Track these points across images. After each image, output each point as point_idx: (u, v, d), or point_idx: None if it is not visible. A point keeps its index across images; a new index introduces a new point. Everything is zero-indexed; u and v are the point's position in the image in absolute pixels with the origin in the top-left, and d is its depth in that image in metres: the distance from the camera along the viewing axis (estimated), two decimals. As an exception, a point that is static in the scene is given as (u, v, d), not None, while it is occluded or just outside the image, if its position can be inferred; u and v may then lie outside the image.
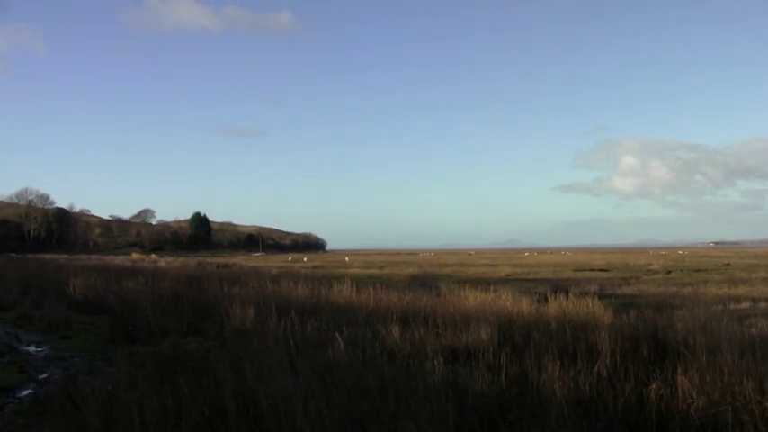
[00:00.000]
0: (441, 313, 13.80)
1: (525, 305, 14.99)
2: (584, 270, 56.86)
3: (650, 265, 65.59)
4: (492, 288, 18.03)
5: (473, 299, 16.35)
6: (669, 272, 51.38)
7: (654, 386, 7.14)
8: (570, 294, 16.65)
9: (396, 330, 11.25)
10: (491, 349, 9.36)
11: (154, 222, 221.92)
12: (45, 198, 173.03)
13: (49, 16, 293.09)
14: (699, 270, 53.12)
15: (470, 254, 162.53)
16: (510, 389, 7.41)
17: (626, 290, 31.01)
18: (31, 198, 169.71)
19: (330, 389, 6.41)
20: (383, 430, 5.65)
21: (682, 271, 52.18)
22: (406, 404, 6.20)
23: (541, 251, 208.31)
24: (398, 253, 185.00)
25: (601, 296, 17.63)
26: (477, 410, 6.58)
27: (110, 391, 6.67)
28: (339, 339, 9.54)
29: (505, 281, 37.70)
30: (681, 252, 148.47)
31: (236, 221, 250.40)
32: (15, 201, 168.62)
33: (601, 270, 56.57)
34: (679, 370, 7.54)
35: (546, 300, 16.08)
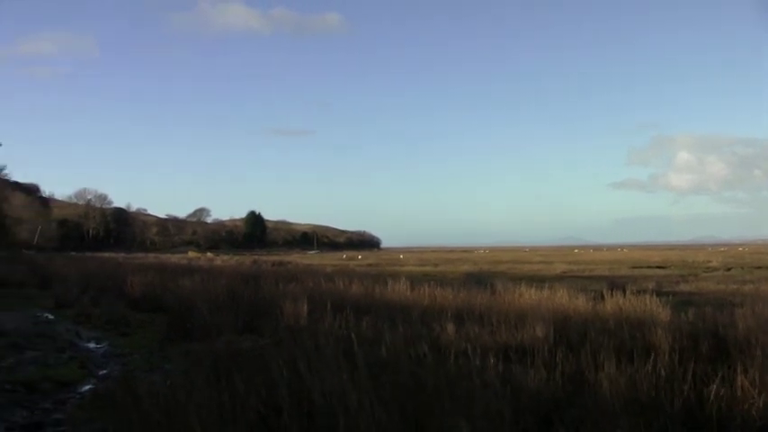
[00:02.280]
0: (495, 311, 13.77)
1: (581, 303, 14.93)
2: (641, 267, 56.10)
3: (709, 262, 64.43)
4: (547, 285, 17.89)
5: (528, 296, 16.32)
6: (729, 269, 50.44)
7: (713, 385, 7.04)
8: (627, 292, 16.50)
9: (450, 328, 11.26)
10: (546, 347, 9.30)
11: (209, 221, 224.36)
12: (103, 198, 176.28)
13: (101, 21, 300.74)
14: (760, 267, 52.00)
15: (525, 251, 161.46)
16: (565, 387, 7.37)
17: (684, 287, 30.48)
18: (89, 198, 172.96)
19: (385, 386, 6.45)
20: (437, 427, 5.68)
21: (742, 268, 51.15)
22: (461, 402, 6.20)
23: (597, 248, 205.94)
24: (453, 250, 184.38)
25: (658, 294, 17.36)
26: (533, 409, 6.58)
27: (168, 388, 6.81)
28: (394, 337, 9.58)
29: (561, 278, 37.33)
30: (740, 249, 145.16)
31: (290, 220, 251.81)
32: (74, 201, 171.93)
33: (658, 267, 55.72)
34: (739, 369, 7.42)
35: (602, 297, 15.96)
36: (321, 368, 6.76)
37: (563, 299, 15.67)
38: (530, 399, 6.76)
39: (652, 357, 7.82)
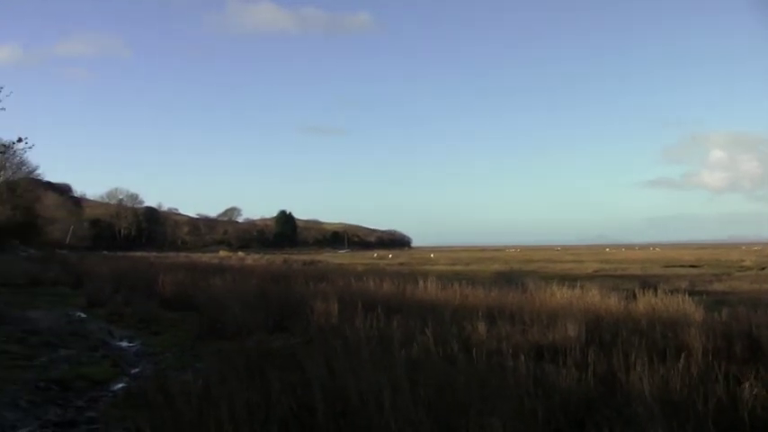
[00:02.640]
0: (527, 310, 13.77)
1: (613, 302, 14.85)
2: (674, 266, 55.82)
3: (742, 261, 63.72)
4: (578, 285, 17.82)
5: (559, 295, 16.25)
6: (763, 268, 49.92)
7: (747, 386, 6.99)
8: (659, 291, 16.38)
9: (481, 327, 11.23)
10: (578, 347, 9.26)
11: (240, 220, 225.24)
12: (134, 197, 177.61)
13: (133, 22, 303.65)
14: (796, 266, 51.36)
15: (557, 250, 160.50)
16: (597, 387, 7.33)
17: (717, 287, 30.17)
18: (121, 198, 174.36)
19: (416, 385, 6.48)
20: (469, 426, 5.69)
21: (776, 267, 50.53)
22: (492, 401, 6.20)
23: (629, 247, 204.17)
24: (484, 249, 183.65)
25: (691, 293, 17.21)
26: (564, 408, 6.56)
27: (200, 386, 6.89)
28: (425, 336, 9.60)
29: (592, 277, 37.24)
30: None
31: (321, 219, 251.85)
32: (106, 200, 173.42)
33: (691, 266, 55.38)
34: (774, 369, 7.37)
35: (634, 296, 15.89)
36: (355, 367, 6.80)
37: (595, 298, 15.59)
38: (561, 398, 6.75)
39: (684, 357, 7.78)
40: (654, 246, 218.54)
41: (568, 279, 25.72)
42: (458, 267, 57.40)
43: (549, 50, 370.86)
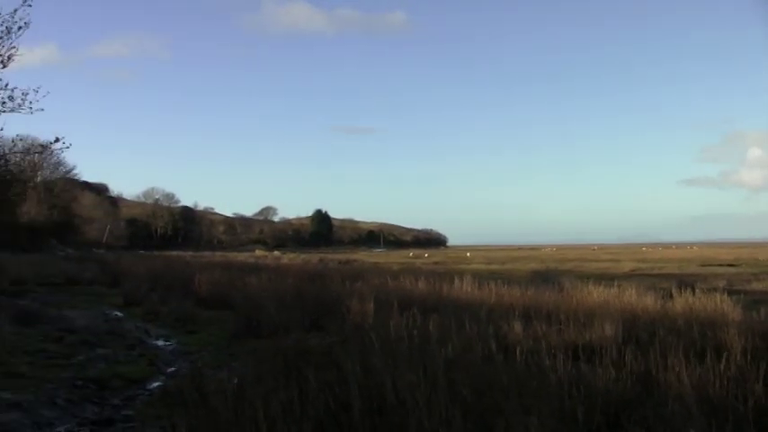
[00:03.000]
0: (563, 309, 13.69)
1: (650, 301, 14.79)
2: (711, 265, 55.11)
3: (782, 260, 62.84)
4: (615, 284, 17.72)
5: (596, 295, 16.21)
6: (802, 267, 49.09)
7: (787, 386, 6.89)
8: (696, 290, 16.24)
9: (517, 326, 11.19)
10: (615, 346, 9.20)
11: (276, 220, 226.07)
12: (171, 197, 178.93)
13: (171, 24, 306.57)
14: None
15: (593, 249, 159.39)
16: (634, 386, 7.28)
17: (756, 286, 29.66)
18: (157, 197, 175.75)
19: (453, 384, 6.46)
20: (506, 426, 5.66)
21: (816, 266, 49.77)
22: (529, 400, 6.17)
23: (666, 246, 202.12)
24: (520, 248, 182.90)
25: (729, 292, 17.00)
26: (602, 408, 6.51)
27: (236, 385, 6.92)
28: (462, 335, 9.57)
29: (629, 276, 36.96)
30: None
31: (357, 218, 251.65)
32: (142, 200, 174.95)
33: (728, 265, 54.57)
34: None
35: (671, 296, 15.78)
36: (392, 366, 6.79)
37: (631, 297, 15.53)
38: (598, 398, 6.69)
39: (723, 357, 7.69)
40: (691, 244, 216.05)
41: (605, 278, 25.57)
42: (494, 266, 57.25)
43: (586, 52, 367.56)
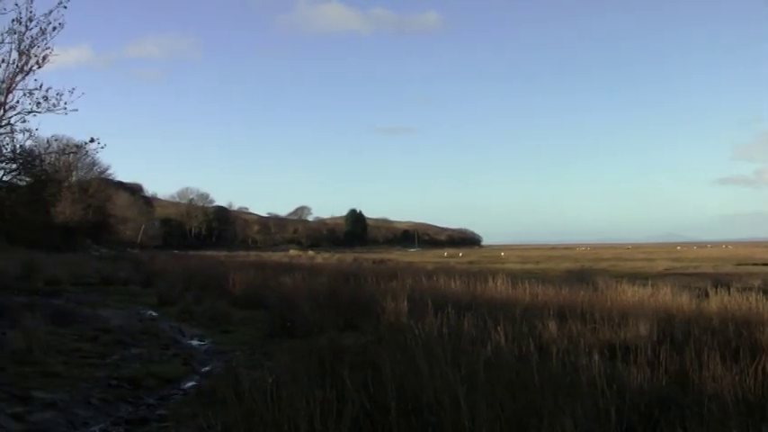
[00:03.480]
0: (598, 308, 13.72)
1: (685, 300, 14.80)
2: (747, 264, 54.85)
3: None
4: (649, 283, 17.67)
5: (630, 294, 16.25)
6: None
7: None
8: (732, 289, 16.10)
9: (552, 325, 11.18)
10: (649, 345, 9.16)
11: (310, 219, 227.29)
12: (205, 197, 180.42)
13: (203, 24, 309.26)
14: None
15: (627, 248, 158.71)
16: (669, 386, 7.26)
17: (792, 285, 29.30)
18: (191, 197, 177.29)
19: (488, 384, 6.42)
20: (541, 426, 5.61)
21: None
22: (564, 400, 6.13)
23: (700, 245, 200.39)
24: (554, 248, 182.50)
25: (765, 291, 16.80)
26: (637, 407, 6.45)
27: (271, 384, 6.90)
28: (497, 335, 9.53)
29: (663, 275, 36.86)
30: None
31: (391, 218, 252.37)
32: (177, 200, 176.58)
33: (764, 264, 54.18)
34: None
35: (706, 295, 15.76)
36: (428, 365, 6.76)
37: (666, 296, 15.61)
38: (633, 397, 6.63)
39: (759, 356, 7.61)
40: (726, 243, 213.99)
41: (639, 277, 25.50)
42: (528, 266, 57.35)
43: (620, 51, 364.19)
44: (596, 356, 7.77)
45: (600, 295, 16.49)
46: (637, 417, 6.34)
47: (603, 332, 11.30)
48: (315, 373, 7.40)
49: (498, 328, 9.89)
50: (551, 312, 12.55)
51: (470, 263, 65.08)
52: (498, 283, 18.53)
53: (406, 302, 14.05)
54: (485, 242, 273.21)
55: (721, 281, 23.82)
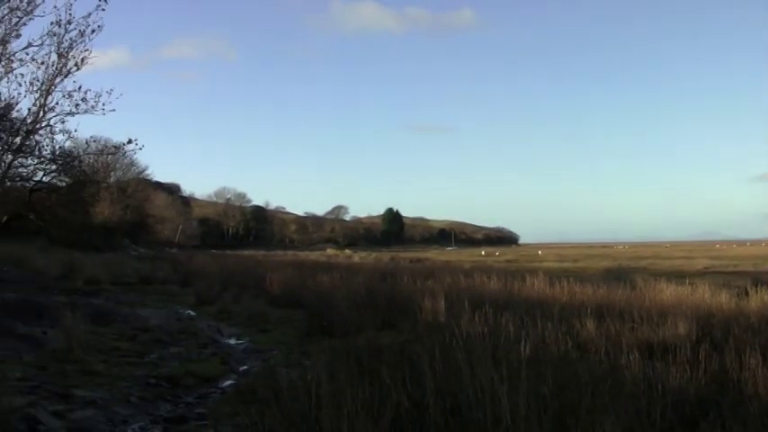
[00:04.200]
0: (636, 307, 13.77)
1: (724, 299, 14.78)
2: (788, 262, 53.54)
3: None
4: (688, 281, 17.53)
5: (669, 292, 16.22)
6: None
7: None
8: (772, 288, 15.96)
9: (591, 324, 11.15)
10: (688, 345, 9.10)
11: (347, 218, 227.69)
12: (242, 196, 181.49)
13: (239, 25, 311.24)
14: None
15: (666, 246, 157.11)
16: (709, 386, 7.22)
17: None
18: (228, 197, 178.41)
19: (528, 382, 6.41)
20: (581, 425, 5.59)
21: None
22: (603, 399, 6.11)
23: (740, 243, 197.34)
24: (592, 246, 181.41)
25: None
26: (676, 407, 6.40)
27: (309, 383, 6.94)
28: (535, 334, 9.51)
29: (703, 274, 36.55)
30: None
31: (428, 216, 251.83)
32: (214, 200, 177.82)
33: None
34: None
35: (746, 293, 15.64)
36: (464, 364, 6.76)
37: (705, 295, 15.56)
38: (673, 397, 6.58)
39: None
40: (766, 242, 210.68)
41: (678, 276, 25.25)
42: (566, 264, 57.07)
43: (656, 49, 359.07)
44: (635, 355, 7.73)
45: (638, 294, 16.50)
46: (677, 417, 6.30)
47: (642, 331, 11.29)
48: (353, 372, 7.43)
49: (535, 326, 9.90)
50: (589, 311, 12.53)
51: (508, 261, 64.99)
52: (536, 282, 18.52)
53: (443, 301, 14.06)
54: (522, 241, 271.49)
55: (761, 279, 23.55)
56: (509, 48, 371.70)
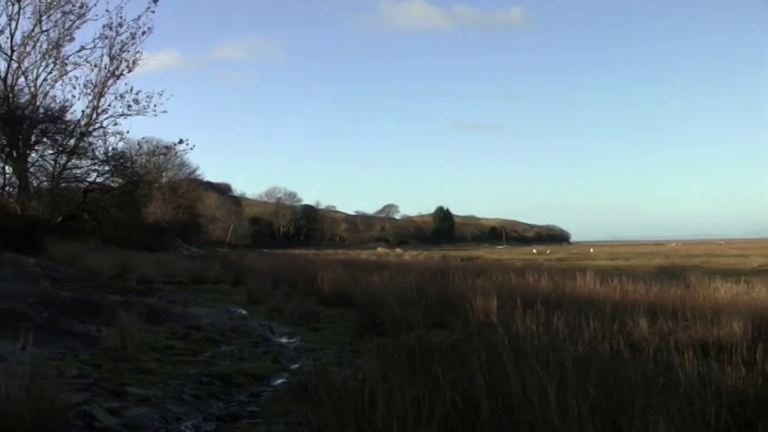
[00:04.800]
0: (690, 306, 13.64)
1: None
2: None
3: None
4: (743, 279, 17.27)
5: (724, 291, 16.04)
6: None
7: None
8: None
9: (643, 323, 11.06)
10: (744, 344, 8.96)
11: (397, 217, 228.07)
12: (293, 196, 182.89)
13: (287, 26, 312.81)
14: None
15: (720, 244, 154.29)
16: (766, 386, 7.03)
17: None
18: (279, 196, 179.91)
19: (579, 381, 6.37)
20: (633, 425, 5.53)
21: None
22: (657, 399, 6.04)
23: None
24: (644, 244, 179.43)
25: None
26: (732, 407, 6.29)
27: (361, 381, 6.96)
28: (587, 332, 9.45)
29: (758, 272, 35.92)
30: None
31: (478, 215, 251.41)
32: (265, 199, 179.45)
33: None
34: None
35: None
36: (518, 363, 6.74)
37: (761, 294, 15.45)
38: (729, 398, 6.47)
39: None
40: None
41: (732, 274, 24.96)
42: (618, 262, 56.70)
43: (709, 44, 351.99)
44: (689, 355, 7.64)
45: (692, 292, 16.33)
46: (733, 418, 6.20)
47: (696, 330, 11.17)
48: (404, 371, 7.43)
49: (587, 325, 9.83)
50: (642, 310, 12.40)
51: (559, 260, 64.76)
52: (587, 280, 18.41)
53: (495, 299, 14.01)
54: (573, 239, 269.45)
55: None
56: (558, 44, 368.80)
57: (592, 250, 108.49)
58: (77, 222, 38.92)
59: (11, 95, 35.42)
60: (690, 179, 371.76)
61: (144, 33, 36.52)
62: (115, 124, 36.58)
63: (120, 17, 35.97)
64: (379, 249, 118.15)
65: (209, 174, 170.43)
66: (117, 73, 36.55)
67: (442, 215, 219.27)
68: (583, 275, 19.11)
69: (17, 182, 35.17)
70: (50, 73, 36.57)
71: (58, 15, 36.45)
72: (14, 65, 35.88)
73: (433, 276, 23.63)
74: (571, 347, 8.24)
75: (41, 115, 35.78)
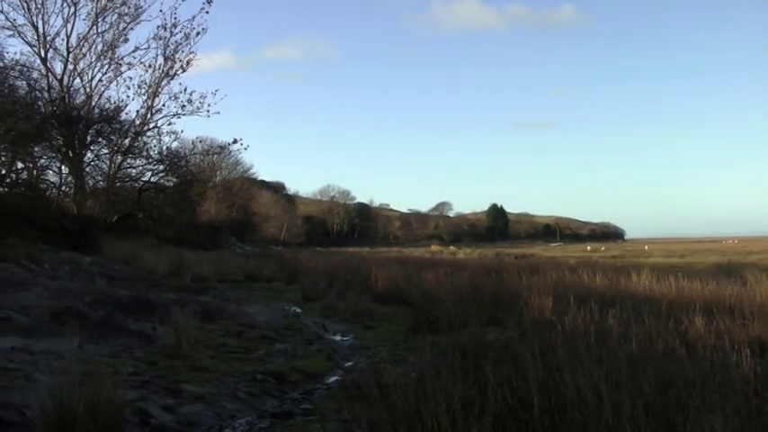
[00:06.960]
0: (747, 303, 13.51)
1: None
2: None
3: None
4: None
5: None
6: None
7: None
8: None
9: (699, 321, 10.89)
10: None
11: (451, 215, 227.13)
12: (346, 194, 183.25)
13: (339, 25, 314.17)
14: None
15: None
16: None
17: None
18: (333, 194, 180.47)
19: (633, 380, 6.29)
20: (688, 424, 5.43)
21: None
22: (712, 397, 5.95)
23: None
24: (700, 241, 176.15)
25: None
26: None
27: (414, 379, 6.95)
28: (642, 330, 9.34)
29: (817, 269, 34.89)
30: None
31: (532, 212, 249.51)
32: (319, 197, 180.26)
33: None
34: None
35: None
36: (572, 361, 6.67)
37: None
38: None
39: None
40: None
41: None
42: (673, 260, 55.91)
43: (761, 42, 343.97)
44: (746, 353, 7.49)
45: (749, 290, 16.01)
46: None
47: (753, 328, 11.03)
48: (458, 369, 7.40)
49: (642, 323, 9.71)
50: (698, 307, 12.23)
51: (613, 257, 64.01)
52: (642, 278, 18.23)
53: (549, 297, 13.91)
54: (628, 236, 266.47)
55: None
56: (610, 42, 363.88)
57: (647, 247, 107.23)
58: (132, 221, 39.53)
59: (67, 96, 36.14)
60: (747, 176, 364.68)
61: (198, 34, 37.00)
62: (169, 124, 37.14)
63: (175, 18, 36.50)
64: (433, 247, 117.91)
65: (263, 172, 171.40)
66: (171, 73, 37.08)
67: (496, 213, 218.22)
68: (637, 273, 18.91)
69: (73, 181, 35.83)
70: (105, 74, 37.32)
71: (114, 17, 37.12)
72: (70, 66, 36.68)
73: (488, 274, 23.50)
74: (625, 346, 8.14)
75: (96, 115, 36.45)
